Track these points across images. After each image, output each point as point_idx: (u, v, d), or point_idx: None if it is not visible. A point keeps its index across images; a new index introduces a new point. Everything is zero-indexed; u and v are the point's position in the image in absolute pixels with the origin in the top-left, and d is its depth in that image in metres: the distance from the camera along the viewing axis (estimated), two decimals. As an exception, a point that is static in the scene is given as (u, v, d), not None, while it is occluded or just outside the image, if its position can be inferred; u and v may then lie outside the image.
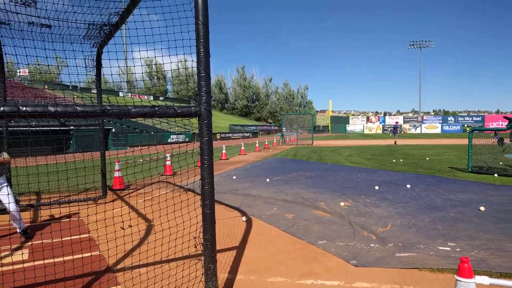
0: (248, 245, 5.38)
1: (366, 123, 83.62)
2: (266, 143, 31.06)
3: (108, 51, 6.89)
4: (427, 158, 17.28)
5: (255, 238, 5.70)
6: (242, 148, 23.60)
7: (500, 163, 12.57)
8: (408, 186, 9.50)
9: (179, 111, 2.80)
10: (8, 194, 5.62)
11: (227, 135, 55.07)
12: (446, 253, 4.75)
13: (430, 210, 7.03)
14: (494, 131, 15.13)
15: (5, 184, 5.76)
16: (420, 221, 6.25)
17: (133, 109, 2.61)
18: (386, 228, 5.94)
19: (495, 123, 66.81)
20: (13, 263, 4.46)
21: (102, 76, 8.06)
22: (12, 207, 5.65)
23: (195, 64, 3.01)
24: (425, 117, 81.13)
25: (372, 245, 5.19)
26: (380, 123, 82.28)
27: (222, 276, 4.20)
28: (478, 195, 8.28)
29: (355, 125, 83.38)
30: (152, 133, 39.23)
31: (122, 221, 4.62)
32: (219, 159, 19.34)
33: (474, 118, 76.87)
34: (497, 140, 12.64)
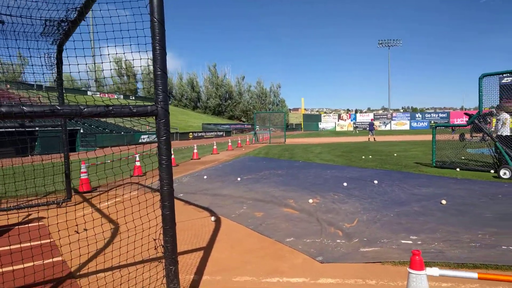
0: (216, 245, 5.34)
1: (338, 120, 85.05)
2: (239, 141, 31.01)
3: (74, 48, 6.68)
4: (395, 154, 17.76)
5: (223, 238, 5.67)
6: (215, 147, 23.46)
7: (462, 157, 13.08)
8: (376, 182, 9.72)
9: (134, 111, 2.73)
10: None
11: (200, 134, 54.61)
12: (409, 246, 4.88)
13: (395, 205, 7.21)
14: (451, 127, 15.73)
15: None
16: (385, 216, 6.40)
17: (85, 109, 2.52)
18: (352, 224, 6.04)
19: (459, 119, 69.48)
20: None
21: (63, 74, 7.77)
22: None
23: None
24: (394, 114, 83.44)
25: (338, 241, 5.26)
26: (351, 120, 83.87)
27: (188, 277, 4.14)
28: (441, 189, 8.57)
29: (327, 122, 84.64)
30: (122, 133, 38.38)
31: (77, 225, 4.47)
32: (190, 158, 19.16)
33: (440, 115, 79.69)
34: (458, 136, 13.14)
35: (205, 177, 12.04)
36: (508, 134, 10.93)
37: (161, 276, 3.49)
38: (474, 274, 2.44)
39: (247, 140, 35.78)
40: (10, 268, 4.13)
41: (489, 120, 11.71)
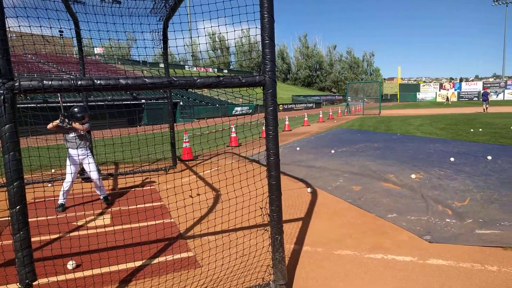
0: (314, 217, 5.32)
1: (439, 90, 77.72)
2: (330, 113, 30.31)
3: (173, 23, 7.05)
4: (512, 127, 15.67)
5: (320, 210, 5.62)
6: (305, 119, 23.28)
7: None
8: (489, 157, 8.69)
9: (243, 81, 2.74)
10: (90, 164, 6.07)
11: (289, 106, 54.68)
12: (536, 232, 4.29)
13: (516, 184, 6.38)
14: None
15: (89, 154, 6.22)
16: (504, 196, 5.70)
17: (198, 80, 2.60)
18: (463, 203, 5.51)
19: None
20: (96, 227, 4.87)
21: (168, 50, 8.27)
22: (94, 175, 6.14)
23: (257, 35, 2.91)
24: (509, 82, 73.18)
25: (447, 220, 4.85)
26: (456, 89, 75.96)
27: (288, 246, 4.20)
28: None
29: (427, 93, 77.95)
30: (217, 105, 40.19)
31: (191, 190, 4.79)
32: (282, 130, 19.31)
33: None
34: None
35: (297, 148, 12.04)
36: None
37: (266, 244, 3.59)
38: None
39: (339, 111, 34.78)
40: (129, 226, 4.62)
41: None
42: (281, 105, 52.47)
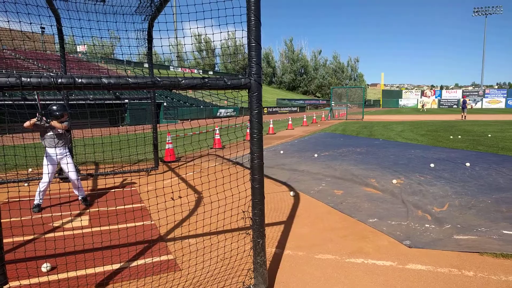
0: (296, 221, 5.32)
1: (421, 97, 79.40)
2: (314, 117, 30.56)
3: (158, 23, 6.98)
4: (489, 135, 16.09)
5: (302, 214, 5.64)
6: (290, 122, 23.39)
7: None
8: (468, 164, 8.90)
9: (229, 83, 2.72)
10: (68, 164, 5.92)
11: (274, 109, 54.87)
12: (511, 237, 4.39)
13: (493, 190, 6.54)
14: None
15: (67, 154, 6.06)
16: (481, 202, 5.83)
17: (183, 81, 2.56)
18: (442, 208, 5.61)
19: None
20: (73, 229, 4.75)
21: (153, 50, 8.17)
22: (72, 176, 5.99)
23: (243, 38, 2.89)
24: (487, 91, 75.37)
25: (427, 225, 4.93)
26: (436, 97, 77.74)
27: (269, 250, 4.19)
28: (549, 176, 7.56)
29: (408, 99, 79.57)
30: (202, 107, 39.98)
31: (172, 192, 4.73)
32: (266, 133, 19.33)
33: (544, 92, 70.23)
34: None
35: (281, 152, 12.07)
36: None
37: (248, 248, 3.56)
38: None
39: (322, 116, 35.07)
40: (107, 228, 4.53)
41: None
42: (265, 108, 52.59)
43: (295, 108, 61.23)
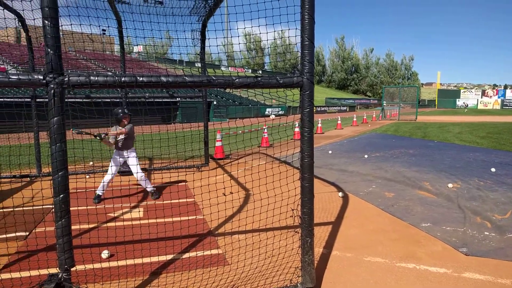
0: (344, 222, 5.25)
1: (481, 97, 74.43)
2: (365, 117, 29.75)
3: (214, 23, 7.16)
4: (560, 139, 14.76)
5: (351, 215, 5.54)
6: (339, 122, 22.97)
7: None
8: (534, 170, 8.25)
9: (281, 82, 2.76)
10: (131, 165, 6.34)
11: (322, 108, 54.12)
12: None
13: None
14: None
15: (132, 155, 6.43)
16: (549, 212, 5.40)
17: (237, 80, 2.64)
18: (504, 216, 5.26)
19: None
20: (131, 219, 5.04)
21: (205, 49, 8.42)
22: (137, 176, 6.36)
23: (294, 36, 2.91)
24: (560, 91, 68.88)
25: (486, 233, 4.65)
26: (499, 97, 72.48)
27: (317, 250, 4.18)
28: None
29: (467, 99, 74.83)
30: (250, 105, 40.40)
31: (224, 188, 4.86)
32: (314, 132, 19.06)
33: None
34: None
35: (330, 152, 11.91)
36: None
37: (295, 246, 3.58)
38: None
39: (374, 116, 34.07)
40: (162, 220, 4.75)
41: None
42: (314, 107, 51.99)
43: (345, 108, 59.92)
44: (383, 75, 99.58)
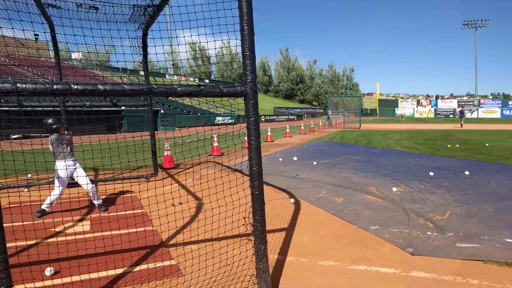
0: (297, 228, 5.28)
1: (417, 106, 79.92)
2: (312, 125, 30.61)
3: (152, 30, 7.02)
4: (487, 144, 16.13)
5: (304, 221, 5.59)
6: (287, 130, 23.41)
7: None
8: (467, 172, 8.90)
9: (224, 91, 2.74)
10: (80, 177, 5.97)
11: (271, 117, 55.02)
12: (514, 245, 4.37)
13: (493, 199, 6.53)
14: None
15: (78, 165, 6.03)
16: (482, 211, 5.82)
17: (179, 88, 2.57)
18: (444, 216, 5.59)
19: None
20: (75, 233, 4.68)
21: (148, 58, 8.17)
22: (87, 188, 5.96)
23: (238, 46, 2.91)
24: (482, 101, 75.97)
25: (429, 233, 4.90)
26: (432, 106, 78.22)
27: (272, 257, 4.15)
28: (548, 185, 7.57)
29: (405, 108, 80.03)
30: (199, 114, 40.01)
31: (173, 198, 4.68)
32: (264, 141, 19.32)
33: (539, 102, 70.76)
34: None
35: (280, 159, 12.04)
36: None
37: (250, 254, 3.52)
38: None
39: (320, 124, 35.17)
40: (109, 233, 4.47)
41: None
42: (263, 116, 52.70)
43: (293, 117, 61.42)
44: (327, 86, 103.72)
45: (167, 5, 6.11)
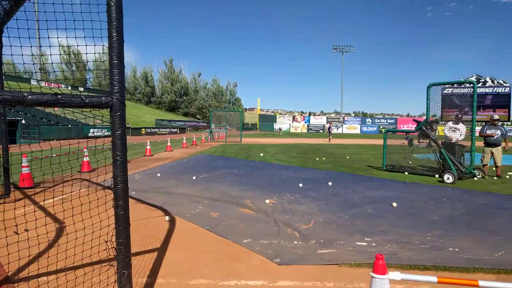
0: (171, 246, 5.12)
1: (292, 122, 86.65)
2: (194, 139, 30.53)
3: (8, 28, 6.12)
4: (347, 157, 18.28)
5: (178, 239, 5.45)
6: (168, 144, 22.88)
7: (410, 162, 13.69)
8: (330, 183, 9.90)
9: (87, 101, 2.49)
10: None
11: (152, 130, 53.17)
12: (363, 248, 4.96)
13: (349, 206, 7.36)
14: (405, 133, 16.37)
15: None
16: (340, 218, 6.50)
17: (29, 96, 2.24)
18: (309, 225, 6.06)
19: (406, 126, 73.32)
20: None
21: (2, 58, 7.12)
22: None
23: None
24: (346, 118, 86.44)
25: (295, 242, 5.24)
26: (305, 122, 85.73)
27: (140, 281, 3.91)
28: (392, 192, 8.89)
29: (282, 123, 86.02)
30: (70, 125, 36.39)
31: (16, 225, 4.06)
32: (143, 155, 18.53)
33: (389, 121, 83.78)
34: (407, 140, 13.70)
35: (158, 174, 11.65)
36: (461, 141, 11.62)
37: (112, 280, 3.24)
38: (433, 278, 2.47)
39: (203, 138, 35.35)
40: None
41: (435, 127, 12.32)
42: (143, 129, 50.62)
43: (175, 130, 60.41)
44: (211, 99, 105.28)
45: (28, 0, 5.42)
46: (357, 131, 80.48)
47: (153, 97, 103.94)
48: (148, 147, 19.34)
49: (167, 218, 6.51)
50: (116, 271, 2.92)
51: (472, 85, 11.54)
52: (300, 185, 9.63)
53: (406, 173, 12.22)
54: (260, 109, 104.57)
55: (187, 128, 68.32)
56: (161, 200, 7.96)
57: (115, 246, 2.89)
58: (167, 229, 5.96)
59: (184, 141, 26.77)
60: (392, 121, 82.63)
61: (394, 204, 7.41)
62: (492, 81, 72.94)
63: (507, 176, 11.70)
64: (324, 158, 17.49)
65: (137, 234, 5.63)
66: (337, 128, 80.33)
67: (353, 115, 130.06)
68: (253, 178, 11.00)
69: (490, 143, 11.66)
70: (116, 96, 2.68)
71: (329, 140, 37.70)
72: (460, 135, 11.72)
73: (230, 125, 41.03)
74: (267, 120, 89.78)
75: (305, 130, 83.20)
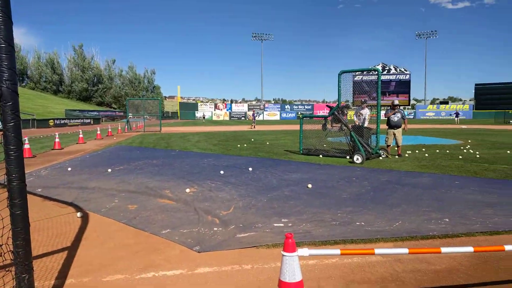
0: (83, 244, 4.83)
1: (215, 109, 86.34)
2: (110, 130, 28.88)
3: None
4: (267, 143, 18.82)
5: (91, 235, 5.17)
6: (81, 135, 21.36)
7: (324, 145, 14.56)
8: (250, 169, 10.12)
9: (-31, 90, 2.21)
10: None
11: (62, 121, 49.14)
12: (280, 229, 5.19)
13: (268, 190, 7.62)
14: (323, 118, 17.31)
15: None
16: (259, 202, 6.70)
17: None
18: (229, 211, 6.16)
19: (321, 111, 77.56)
20: None
21: None
22: None
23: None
24: (266, 105, 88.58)
25: (215, 229, 5.29)
26: (227, 110, 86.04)
27: (47, 283, 3.64)
28: (307, 174, 9.39)
29: (204, 111, 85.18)
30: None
31: None
32: (51, 149, 17.08)
33: (306, 107, 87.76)
34: (321, 125, 14.51)
35: (69, 168, 10.84)
36: (366, 126, 12.64)
37: (9, 287, 2.97)
38: (337, 251, 2.69)
39: (119, 128, 33.60)
40: None
41: (346, 112, 13.23)
42: (51, 120, 46.52)
43: (88, 120, 56.53)
44: (128, 87, 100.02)
45: None
46: (277, 117, 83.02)
47: (61, 86, 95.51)
48: (57, 140, 17.83)
49: (79, 214, 6.11)
50: (13, 277, 2.68)
51: (377, 72, 12.57)
52: (221, 172, 9.70)
53: (320, 155, 12.98)
54: (181, 97, 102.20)
55: (102, 118, 64.31)
56: (72, 196, 7.44)
57: (12, 250, 2.64)
58: (79, 226, 5.60)
59: (99, 132, 25.20)
60: (309, 107, 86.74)
61: (309, 186, 7.84)
62: (395, 69, 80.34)
63: (406, 155, 13.06)
64: (245, 145, 17.78)
65: (43, 233, 5.21)
66: (258, 115, 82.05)
67: (273, 102, 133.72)
68: (173, 168, 10.79)
69: (392, 125, 12.92)
70: (6, 84, 2.41)
71: (253, 127, 38.49)
72: (364, 119, 12.79)
73: (149, 114, 39.57)
74: (189, 108, 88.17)
75: (227, 118, 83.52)
